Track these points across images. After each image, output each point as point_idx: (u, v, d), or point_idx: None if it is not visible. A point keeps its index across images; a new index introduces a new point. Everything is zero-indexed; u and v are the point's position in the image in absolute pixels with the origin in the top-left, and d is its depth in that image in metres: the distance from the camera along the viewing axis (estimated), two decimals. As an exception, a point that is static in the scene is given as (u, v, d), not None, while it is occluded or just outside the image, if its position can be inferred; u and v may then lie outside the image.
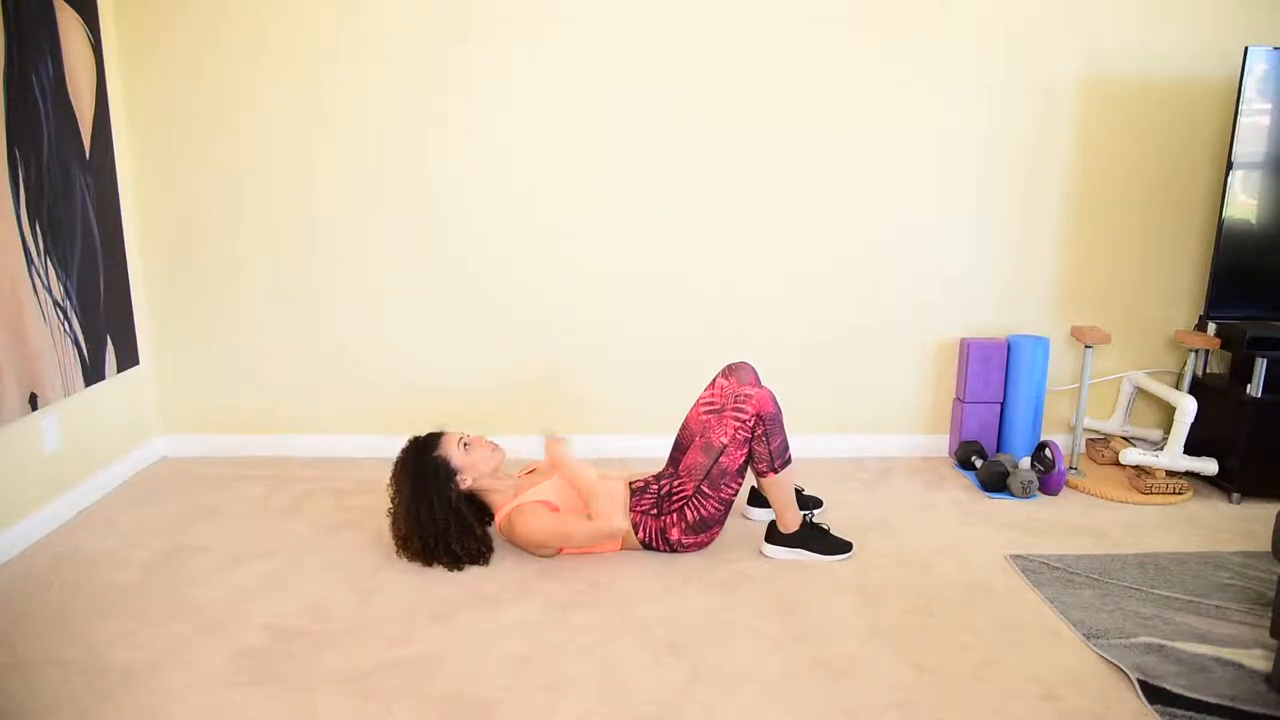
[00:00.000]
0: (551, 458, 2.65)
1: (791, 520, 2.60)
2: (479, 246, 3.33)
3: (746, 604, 2.36)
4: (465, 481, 2.53)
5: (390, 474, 2.57)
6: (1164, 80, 3.33)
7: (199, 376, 3.40)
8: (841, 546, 2.63)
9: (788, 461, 2.56)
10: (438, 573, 2.50)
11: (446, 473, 2.50)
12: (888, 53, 3.25)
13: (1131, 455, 3.15)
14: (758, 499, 2.96)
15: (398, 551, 2.55)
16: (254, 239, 3.29)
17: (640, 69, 3.22)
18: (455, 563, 2.51)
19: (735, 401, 2.55)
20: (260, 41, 3.14)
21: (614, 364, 3.45)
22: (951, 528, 2.87)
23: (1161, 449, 3.22)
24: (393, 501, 2.55)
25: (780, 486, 2.57)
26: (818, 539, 2.61)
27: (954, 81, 3.28)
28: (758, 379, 2.82)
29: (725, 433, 2.53)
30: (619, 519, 2.52)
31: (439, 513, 2.47)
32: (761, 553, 2.64)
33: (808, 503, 2.94)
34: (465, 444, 2.56)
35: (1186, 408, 3.10)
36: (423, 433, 2.63)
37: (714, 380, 2.80)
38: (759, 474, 2.56)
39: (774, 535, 2.63)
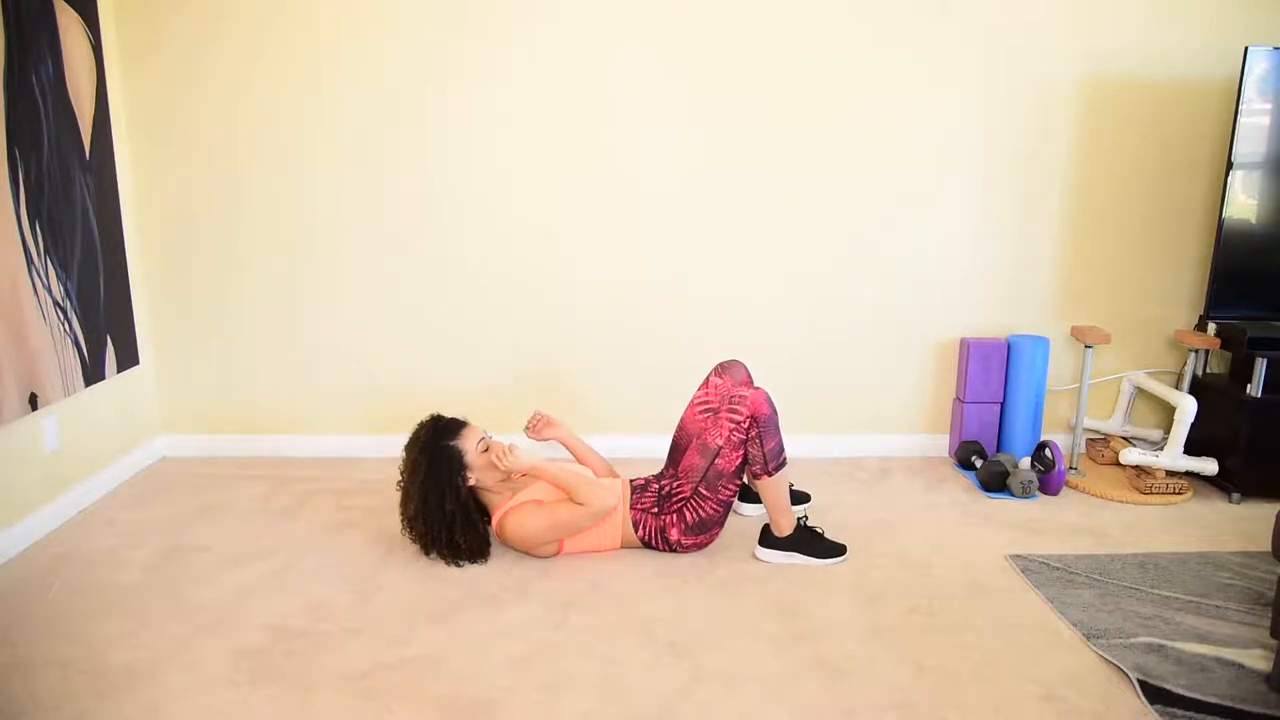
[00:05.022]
0: (521, 471, 2.55)
1: (786, 524, 2.59)
2: (479, 246, 3.33)
3: (746, 604, 2.36)
4: (471, 479, 2.54)
5: (405, 444, 2.57)
6: (1164, 80, 3.33)
7: (199, 376, 3.40)
8: (836, 550, 2.62)
9: (783, 464, 2.56)
10: (438, 572, 2.50)
11: (458, 464, 2.51)
12: (888, 54, 3.25)
13: (1131, 455, 3.15)
14: (749, 494, 2.96)
15: (402, 530, 2.57)
16: (253, 239, 3.29)
17: (640, 69, 3.22)
18: (455, 556, 2.52)
19: (730, 403, 2.55)
20: (260, 41, 3.14)
21: (614, 363, 3.45)
22: (951, 528, 2.87)
23: (1161, 449, 3.22)
24: (402, 475, 2.55)
25: (775, 489, 2.56)
26: (812, 542, 2.61)
27: (955, 82, 3.28)
28: (750, 377, 2.82)
29: (720, 435, 2.53)
30: (609, 497, 2.52)
31: (448, 504, 2.48)
32: (755, 556, 2.64)
33: (797, 498, 2.94)
34: (485, 447, 2.56)
35: (1186, 408, 3.10)
36: (449, 413, 2.63)
37: (707, 379, 2.80)
38: (754, 476, 2.56)
39: (768, 538, 2.62)
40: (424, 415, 2.62)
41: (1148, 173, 3.40)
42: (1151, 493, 3.13)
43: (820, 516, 2.91)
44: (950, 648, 2.16)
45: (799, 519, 2.63)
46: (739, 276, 3.40)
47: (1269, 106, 3.09)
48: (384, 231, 3.30)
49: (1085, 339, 3.22)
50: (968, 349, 3.39)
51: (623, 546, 2.64)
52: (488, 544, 2.58)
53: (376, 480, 3.19)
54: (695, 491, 2.56)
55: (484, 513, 2.62)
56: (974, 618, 2.30)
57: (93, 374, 2.96)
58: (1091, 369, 3.44)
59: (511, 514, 2.51)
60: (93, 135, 2.95)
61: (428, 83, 3.19)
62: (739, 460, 2.53)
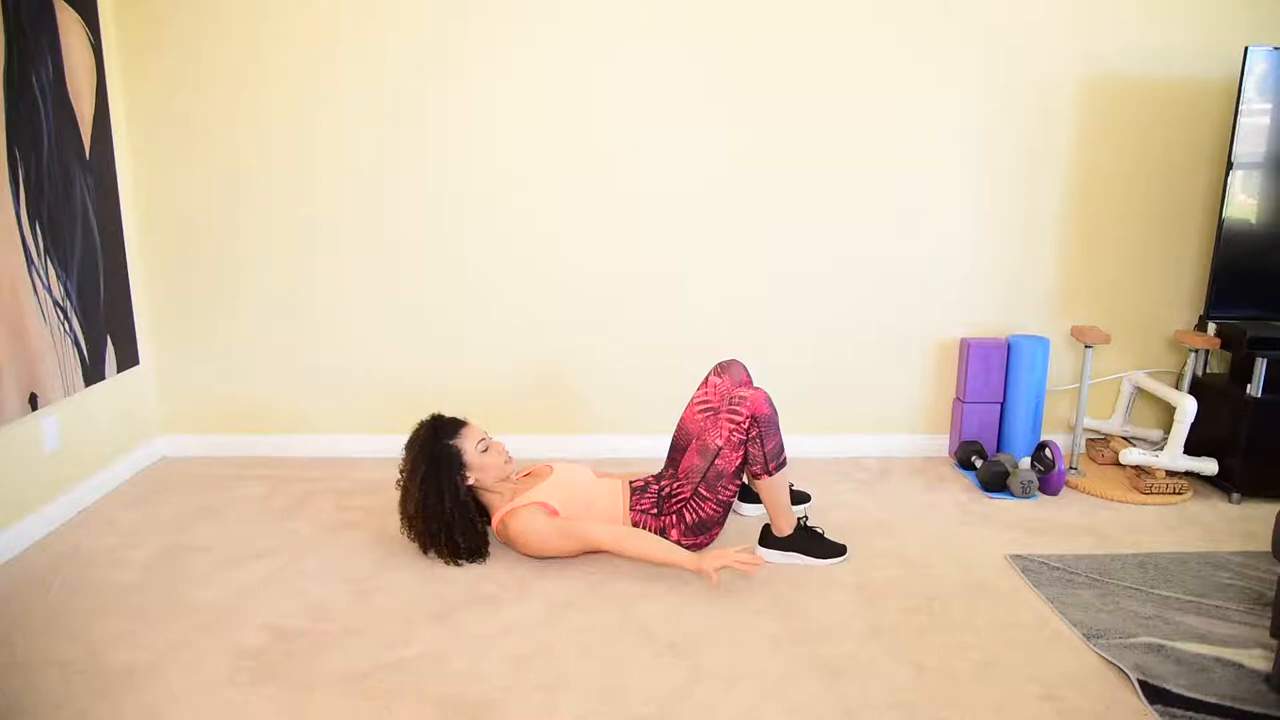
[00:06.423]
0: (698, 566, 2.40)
1: (786, 524, 2.59)
2: (479, 246, 3.33)
3: (746, 604, 2.36)
4: (469, 479, 2.54)
5: (405, 443, 2.57)
6: (1164, 80, 3.33)
7: (199, 376, 3.40)
8: (836, 550, 2.62)
9: (782, 464, 2.55)
10: (438, 572, 2.50)
11: (457, 464, 2.51)
12: (888, 54, 3.25)
13: (1131, 455, 3.15)
14: (749, 494, 2.96)
15: (401, 528, 2.58)
16: (254, 239, 3.29)
17: (639, 72, 3.22)
18: (454, 555, 2.52)
19: (730, 404, 2.55)
20: (260, 41, 3.14)
21: (614, 364, 3.45)
22: (951, 528, 2.87)
23: (1161, 449, 3.22)
24: (402, 473, 2.56)
25: (775, 489, 2.56)
26: (812, 542, 2.60)
27: (955, 82, 3.28)
28: (749, 377, 2.82)
29: (720, 435, 2.53)
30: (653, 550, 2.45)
31: (447, 503, 2.49)
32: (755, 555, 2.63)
33: (796, 498, 2.95)
34: (485, 447, 2.56)
35: (1186, 408, 3.10)
36: (449, 413, 2.63)
37: (706, 379, 2.80)
38: (753, 476, 2.55)
39: (768, 538, 2.62)
40: (424, 415, 2.62)
41: (1148, 173, 3.40)
42: (1151, 493, 3.13)
43: (820, 516, 2.91)
44: (950, 648, 2.16)
45: (799, 519, 2.63)
46: (739, 276, 3.40)
47: (1269, 106, 3.08)
48: (384, 231, 3.30)
49: (1085, 339, 3.22)
50: (968, 349, 3.38)
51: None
52: (486, 543, 2.58)
53: (376, 480, 3.19)
54: (695, 492, 2.56)
55: (483, 512, 2.63)
56: (974, 618, 2.30)
57: (93, 374, 2.96)
58: (1091, 369, 3.44)
59: (514, 515, 2.51)
60: (93, 135, 2.95)
61: (428, 82, 3.19)
62: (739, 460, 2.53)
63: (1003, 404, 3.42)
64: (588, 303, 3.39)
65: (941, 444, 3.59)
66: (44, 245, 2.69)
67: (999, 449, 3.45)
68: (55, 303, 2.75)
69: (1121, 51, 3.29)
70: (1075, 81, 3.31)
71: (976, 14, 3.24)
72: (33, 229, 2.64)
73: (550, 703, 1.92)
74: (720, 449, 2.52)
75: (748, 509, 2.96)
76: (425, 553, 2.56)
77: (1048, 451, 3.15)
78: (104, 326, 3.02)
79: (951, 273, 3.44)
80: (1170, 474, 3.17)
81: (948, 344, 3.51)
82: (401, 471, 2.56)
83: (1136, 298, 3.51)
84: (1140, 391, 3.54)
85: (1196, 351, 3.32)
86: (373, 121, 3.21)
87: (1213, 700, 1.94)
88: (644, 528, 2.59)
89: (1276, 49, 3.04)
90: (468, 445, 2.54)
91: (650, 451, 3.41)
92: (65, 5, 2.81)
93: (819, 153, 3.31)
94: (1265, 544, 2.78)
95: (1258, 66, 3.04)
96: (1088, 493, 3.19)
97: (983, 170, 3.36)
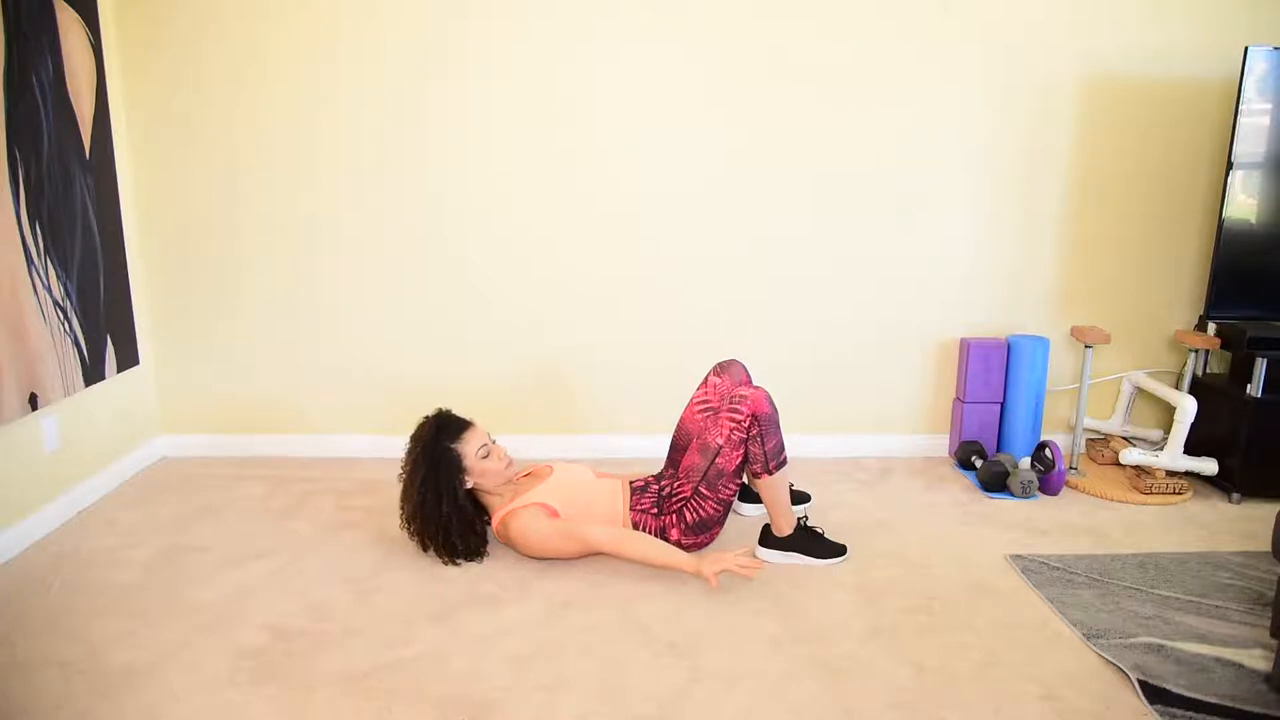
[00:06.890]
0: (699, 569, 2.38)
1: (786, 524, 2.59)
2: (480, 246, 3.33)
3: (746, 604, 2.36)
4: (468, 482, 2.54)
5: (410, 436, 2.57)
6: (1164, 80, 3.33)
7: (199, 376, 3.40)
8: (836, 550, 2.62)
9: (783, 463, 2.55)
10: (438, 572, 2.50)
11: (456, 469, 2.51)
12: (888, 55, 3.25)
13: (1131, 455, 3.15)
14: (749, 494, 2.96)
15: (401, 524, 2.59)
16: (254, 239, 3.29)
17: (639, 73, 3.22)
18: (451, 556, 2.52)
19: (731, 402, 2.55)
20: (260, 41, 3.14)
21: (614, 364, 3.45)
22: (951, 528, 2.87)
23: (1161, 449, 3.22)
24: (403, 469, 2.56)
25: (775, 488, 2.56)
26: (812, 542, 2.60)
27: (955, 82, 3.28)
28: (749, 377, 2.82)
29: (721, 434, 2.53)
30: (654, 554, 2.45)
31: (445, 507, 2.49)
32: (755, 556, 2.63)
33: (796, 498, 2.95)
34: (486, 453, 2.56)
35: (1186, 408, 3.10)
36: (457, 410, 2.63)
37: (706, 378, 2.80)
38: (754, 475, 2.55)
39: (768, 538, 2.62)
40: (425, 414, 2.61)
41: (1148, 173, 3.40)
42: (1151, 493, 3.13)
43: (820, 516, 2.91)
44: (950, 648, 2.16)
45: (799, 519, 2.63)
46: (739, 277, 3.40)
47: (1269, 106, 3.08)
48: (384, 231, 3.30)
49: (1085, 339, 3.22)
50: (968, 349, 3.38)
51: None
52: (485, 543, 2.59)
53: (376, 480, 3.19)
54: (695, 491, 2.56)
55: (483, 512, 2.63)
56: (974, 618, 2.30)
57: (93, 374, 2.96)
58: (1091, 369, 3.44)
59: (515, 516, 2.51)
60: (93, 135, 2.95)
61: (428, 82, 3.19)
62: (739, 459, 2.53)
63: (1003, 404, 3.42)
64: (588, 303, 3.39)
65: (941, 444, 3.59)
66: (44, 245, 2.69)
67: (999, 449, 3.45)
68: (55, 303, 2.75)
69: (1121, 51, 3.29)
70: (1075, 81, 3.31)
71: (976, 14, 3.24)
72: (33, 229, 2.64)
73: (550, 703, 1.92)
74: (721, 447, 2.52)
75: (748, 509, 2.96)
76: (424, 550, 2.56)
77: (1048, 451, 3.15)
78: (104, 326, 3.02)
79: (951, 273, 3.44)
80: (1170, 474, 3.17)
81: (948, 344, 3.51)
82: (403, 467, 2.56)
83: (1136, 298, 3.51)
84: (1140, 391, 3.54)
85: (1196, 351, 3.32)
86: (373, 121, 3.21)
87: (1213, 700, 1.94)
88: (644, 527, 2.60)
89: (1276, 49, 3.04)
90: (469, 450, 2.53)
91: (650, 451, 3.41)
92: (65, 5, 2.81)
93: (819, 153, 3.31)
94: (1265, 544, 2.78)
95: (1258, 66, 3.04)
96: (1088, 493, 3.19)
97: (983, 170, 3.36)
